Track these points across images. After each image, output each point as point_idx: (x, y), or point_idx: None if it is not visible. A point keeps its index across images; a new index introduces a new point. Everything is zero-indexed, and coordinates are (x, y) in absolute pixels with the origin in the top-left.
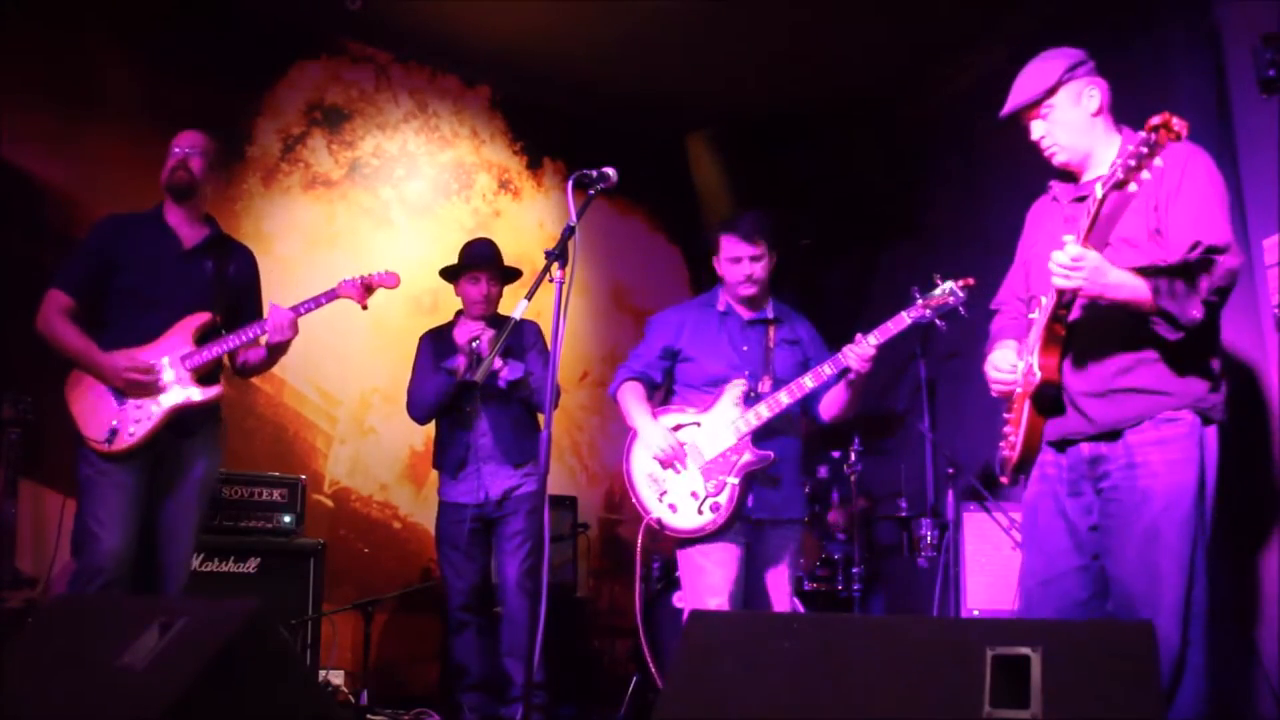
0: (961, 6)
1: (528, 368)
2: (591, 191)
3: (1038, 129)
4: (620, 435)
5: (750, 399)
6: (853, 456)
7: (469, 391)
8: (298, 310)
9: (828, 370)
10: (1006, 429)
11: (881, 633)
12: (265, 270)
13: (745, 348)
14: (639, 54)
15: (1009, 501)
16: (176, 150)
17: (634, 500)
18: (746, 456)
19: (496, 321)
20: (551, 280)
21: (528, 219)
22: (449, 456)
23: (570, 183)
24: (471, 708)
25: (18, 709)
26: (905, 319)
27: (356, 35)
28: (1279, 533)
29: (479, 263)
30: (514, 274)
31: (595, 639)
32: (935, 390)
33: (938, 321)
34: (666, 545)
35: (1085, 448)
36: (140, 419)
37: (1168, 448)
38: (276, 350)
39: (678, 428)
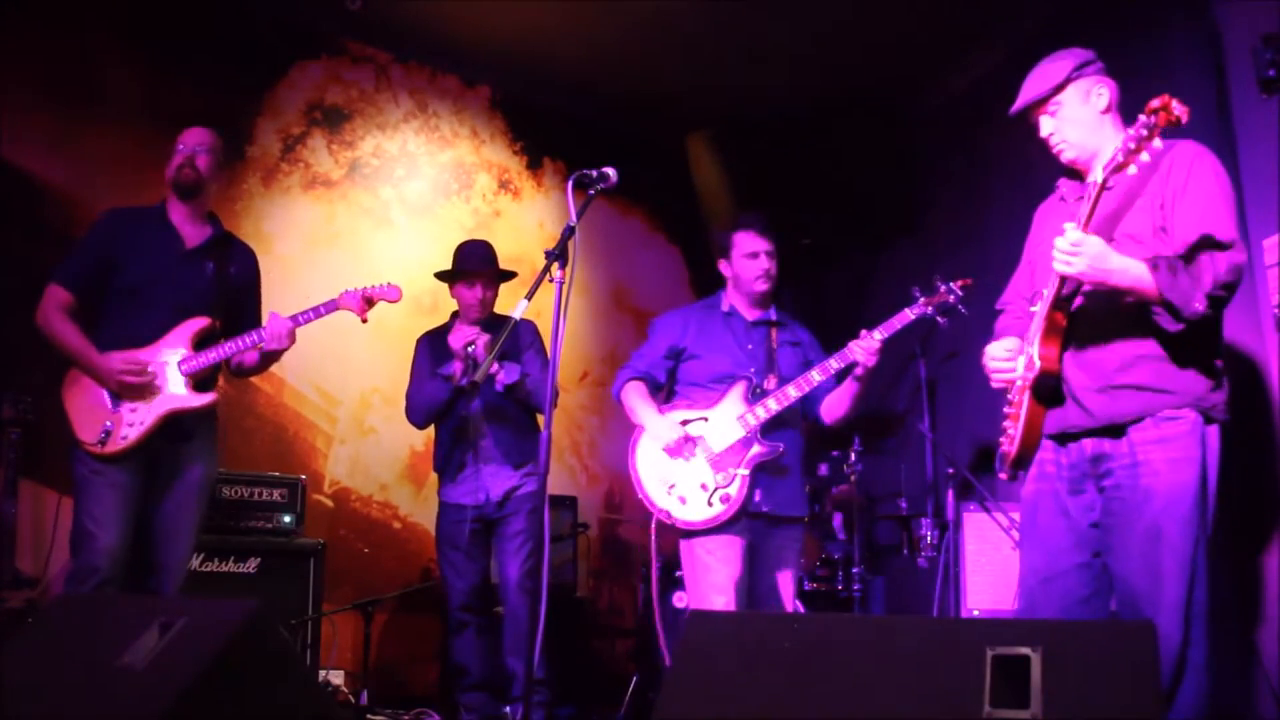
0: (962, 7)
1: (524, 369)
2: (591, 191)
3: (1046, 126)
4: (620, 434)
5: (756, 395)
6: (853, 456)
7: (466, 396)
8: (297, 320)
9: (835, 365)
10: (1006, 423)
11: (881, 633)
12: (265, 270)
13: (750, 346)
14: (639, 54)
15: (1009, 501)
16: (183, 147)
17: (640, 495)
18: (756, 448)
19: (493, 322)
20: (551, 280)
21: (528, 219)
22: (449, 460)
23: (570, 183)
24: (472, 708)
25: (18, 709)
26: (909, 315)
27: (356, 35)
28: (1279, 533)
29: (473, 267)
30: (508, 275)
31: (595, 639)
32: (935, 390)
33: (939, 319)
34: (669, 542)
35: (1088, 445)
36: (134, 422)
37: (1169, 446)
38: (271, 356)
39: (685, 423)
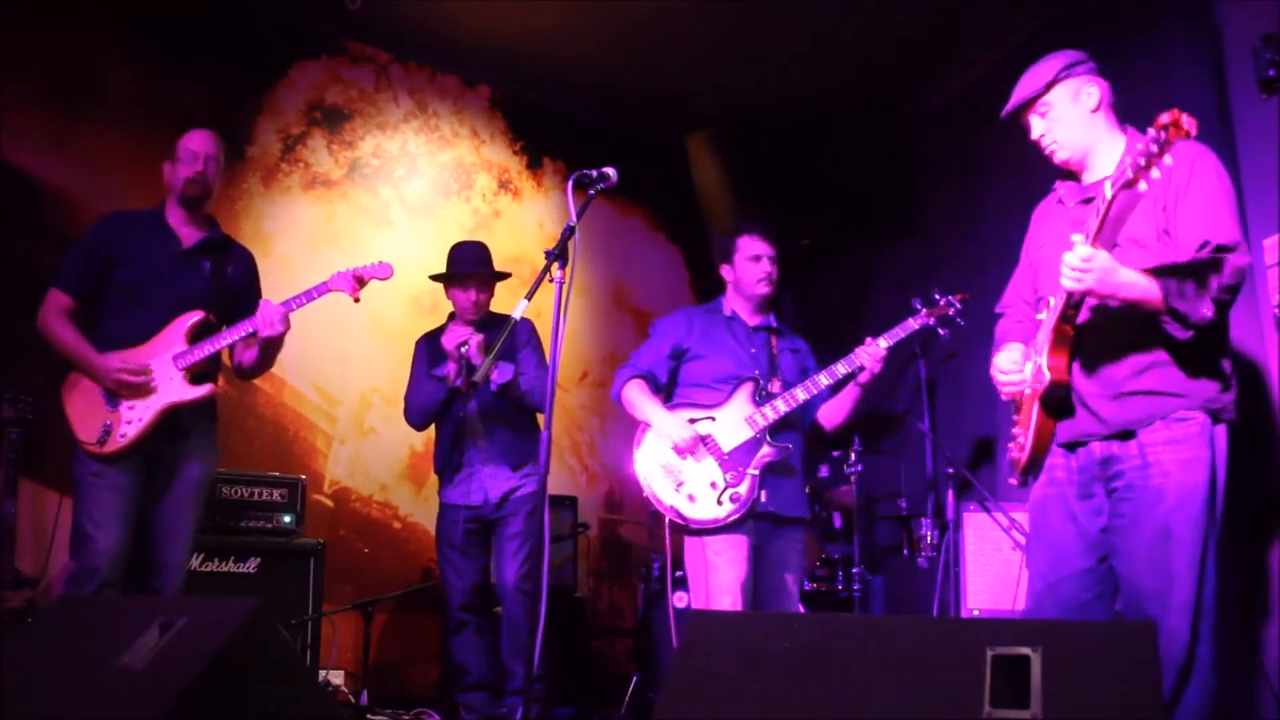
0: (962, 7)
1: (518, 368)
2: (591, 191)
3: (1037, 126)
4: (620, 434)
5: (761, 397)
6: (853, 456)
7: (462, 397)
8: (288, 305)
9: (842, 369)
10: (1015, 430)
11: (881, 633)
12: (265, 270)
13: (753, 350)
14: (639, 54)
15: (1009, 501)
16: (188, 155)
17: (647, 493)
18: (765, 449)
19: (489, 322)
20: (551, 280)
21: (528, 219)
22: (448, 461)
23: (570, 183)
24: (471, 707)
25: (18, 709)
26: (913, 324)
27: (356, 35)
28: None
29: (465, 270)
30: (502, 276)
31: (595, 639)
32: (935, 390)
33: (940, 330)
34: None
35: (1097, 448)
36: (132, 420)
37: (1179, 447)
38: (270, 346)
39: (692, 421)
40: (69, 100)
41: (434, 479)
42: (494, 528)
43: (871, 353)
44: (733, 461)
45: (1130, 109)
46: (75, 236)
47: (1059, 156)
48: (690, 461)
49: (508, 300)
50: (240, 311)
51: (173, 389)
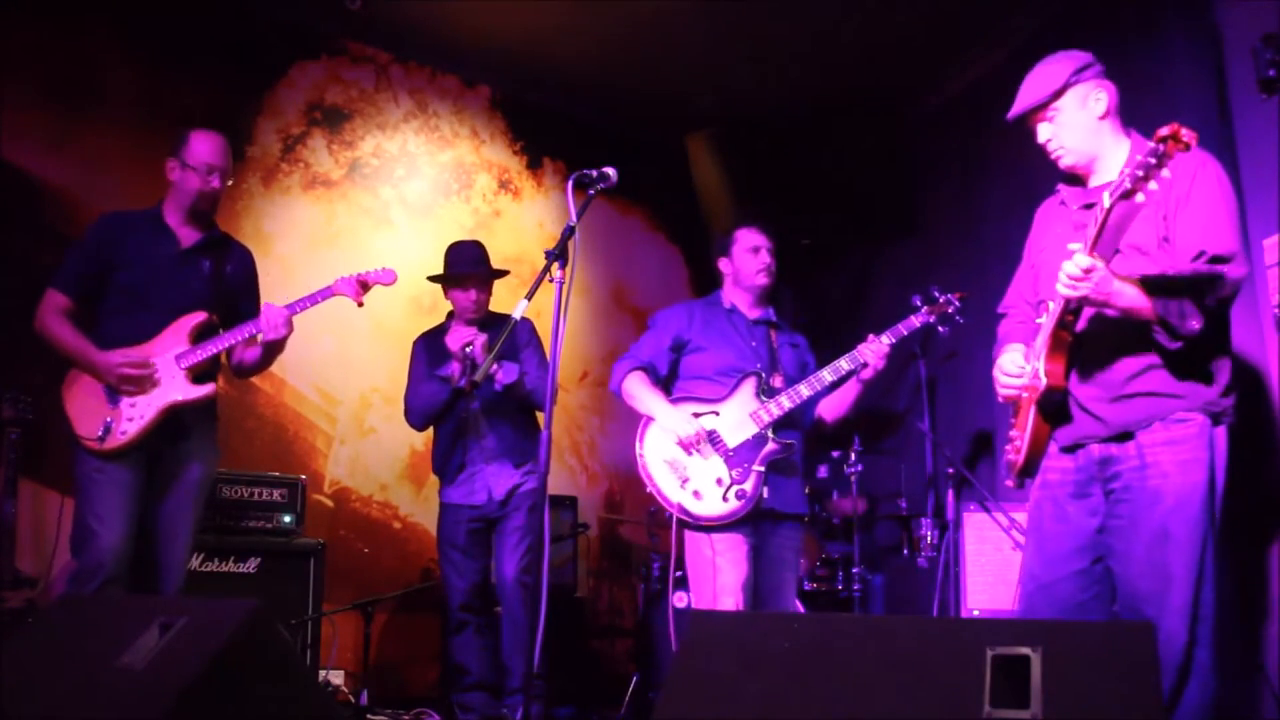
0: (962, 7)
1: (522, 368)
2: (591, 191)
3: (1044, 131)
4: (620, 434)
5: (765, 391)
6: (853, 456)
7: (466, 397)
8: (292, 308)
9: (845, 365)
10: (1012, 433)
11: (881, 633)
12: (265, 270)
13: (754, 343)
14: (639, 54)
15: (1009, 501)
16: (205, 169)
17: (651, 489)
18: (770, 445)
19: (490, 321)
20: (551, 280)
21: (528, 219)
22: (448, 461)
23: (570, 183)
24: (471, 707)
25: (18, 709)
26: (915, 321)
27: (356, 35)
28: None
29: (464, 270)
30: (500, 274)
31: (595, 639)
32: (935, 390)
33: (940, 327)
34: (666, 541)
35: (1095, 449)
36: (134, 417)
37: (1178, 448)
38: (272, 348)
39: (696, 416)
40: (69, 100)
41: (434, 479)
42: (496, 524)
43: (875, 349)
44: (738, 457)
45: (1130, 109)
46: (75, 236)
47: (1065, 162)
48: (695, 457)
49: (508, 300)
50: (240, 310)
51: (175, 388)
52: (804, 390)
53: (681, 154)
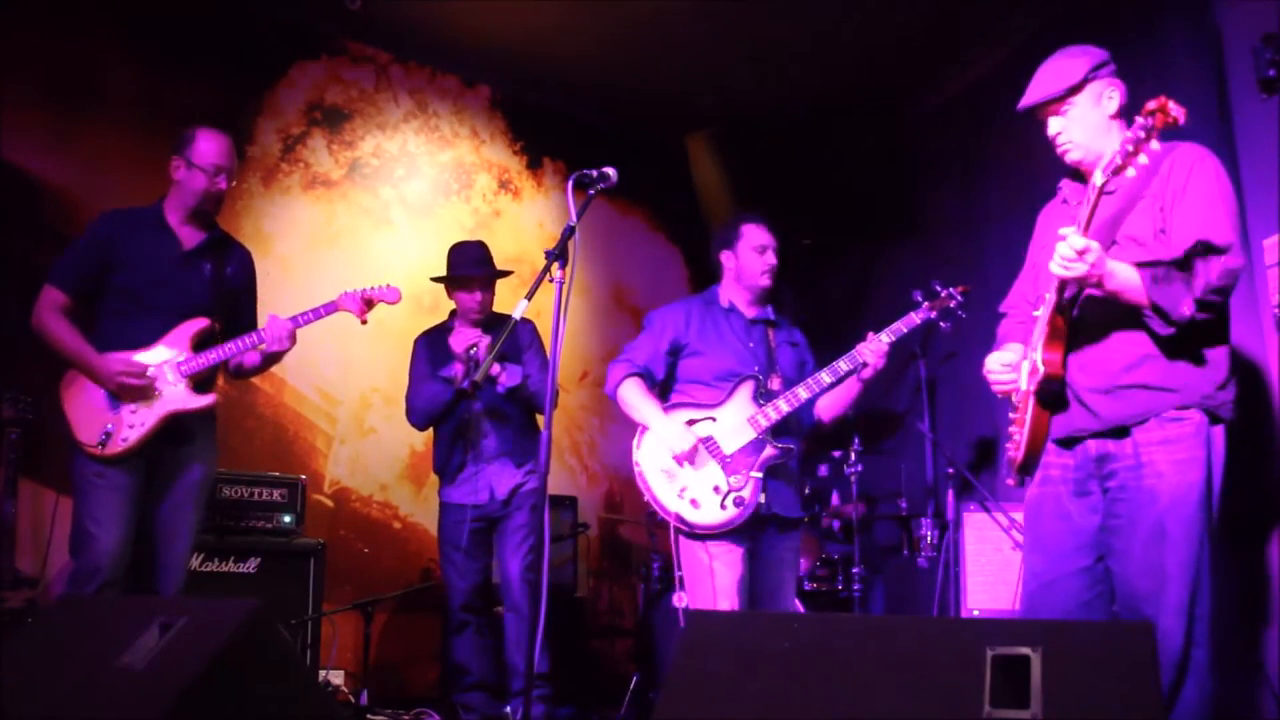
0: (962, 7)
1: (525, 370)
2: (591, 191)
3: (1055, 125)
4: (621, 435)
5: (762, 395)
6: (853, 456)
7: (468, 398)
8: (296, 321)
9: (844, 366)
10: (1012, 429)
11: (881, 633)
12: (265, 270)
13: (751, 344)
14: (639, 54)
15: (1009, 501)
16: (211, 169)
17: (648, 498)
18: (768, 450)
19: (493, 321)
20: (551, 280)
21: (528, 219)
22: (448, 461)
23: (570, 183)
24: (472, 707)
25: (18, 709)
26: (915, 319)
27: (356, 35)
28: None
29: (468, 272)
30: (504, 274)
31: (595, 639)
32: (935, 390)
33: (941, 323)
34: (664, 540)
35: (1092, 446)
36: (134, 424)
37: (1174, 448)
38: (273, 358)
39: (691, 423)
40: (69, 100)
41: (434, 479)
42: (498, 524)
43: (875, 349)
44: (735, 464)
45: (1130, 109)
46: (75, 236)
47: (1071, 157)
48: (690, 465)
49: (508, 300)
50: (240, 311)
51: (176, 396)
52: (802, 393)
53: (681, 154)
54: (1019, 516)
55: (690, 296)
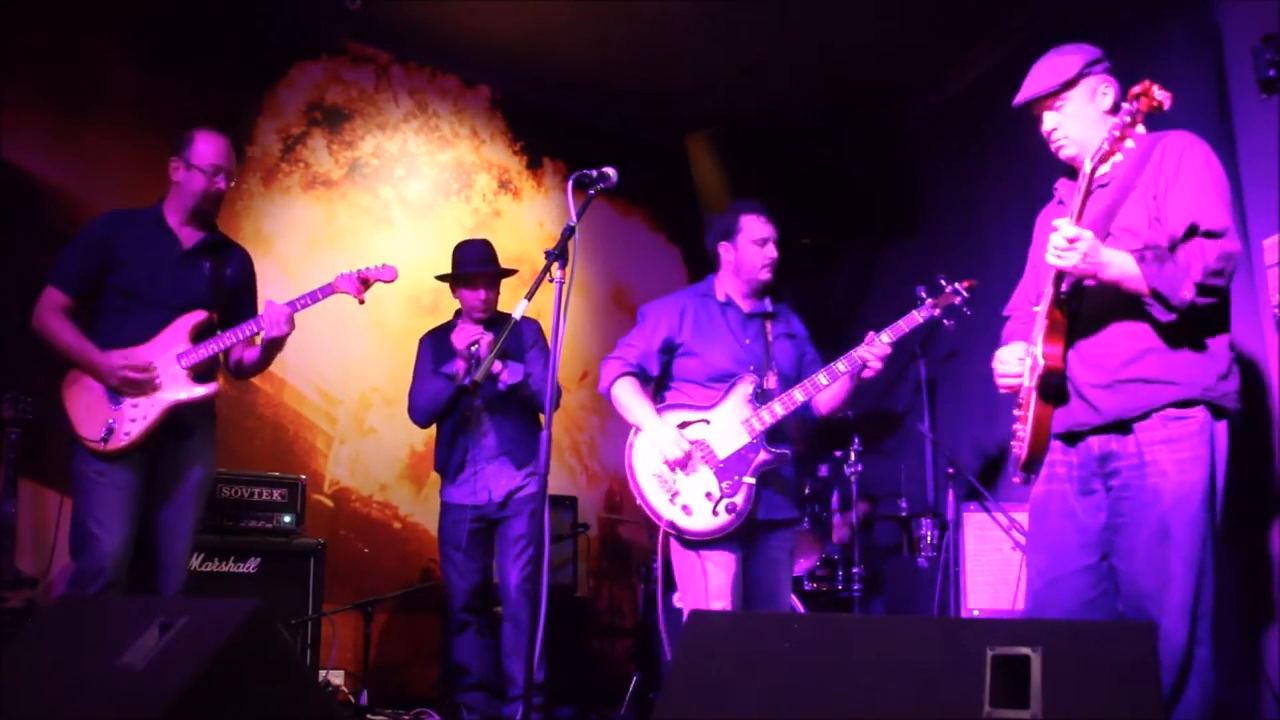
0: (962, 7)
1: (527, 369)
2: (591, 191)
3: (1050, 120)
4: (620, 434)
5: (759, 396)
6: (853, 456)
7: (469, 395)
8: (293, 305)
9: (842, 367)
10: (1016, 426)
11: (881, 633)
12: (265, 270)
13: (747, 341)
14: (639, 55)
15: (1009, 501)
16: (211, 169)
17: (641, 503)
18: (762, 455)
19: (497, 320)
20: (551, 280)
21: (528, 219)
22: (449, 459)
23: (570, 183)
24: (472, 708)
25: (18, 709)
26: (917, 317)
27: (356, 35)
28: None
29: (473, 270)
30: (508, 273)
31: (595, 639)
32: (935, 390)
33: (945, 321)
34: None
35: (1095, 443)
36: (137, 418)
37: (1177, 446)
38: (272, 347)
39: (685, 425)
40: (69, 100)
41: (434, 479)
42: (496, 527)
43: (875, 351)
44: (729, 469)
45: None
46: (75, 236)
47: (1065, 152)
48: (682, 471)
49: (509, 299)
50: (239, 311)
51: (177, 387)
52: (798, 396)
53: (681, 154)
54: (1019, 516)
55: (685, 288)
